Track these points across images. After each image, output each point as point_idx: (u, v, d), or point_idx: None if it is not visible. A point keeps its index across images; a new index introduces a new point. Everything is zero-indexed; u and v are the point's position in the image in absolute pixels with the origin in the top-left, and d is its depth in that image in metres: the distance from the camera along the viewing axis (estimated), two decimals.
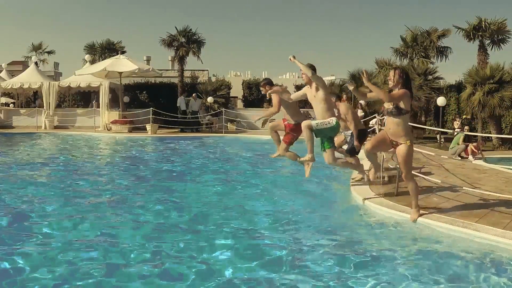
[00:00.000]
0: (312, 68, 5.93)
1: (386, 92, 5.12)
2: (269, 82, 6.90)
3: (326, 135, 5.99)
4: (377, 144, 5.51)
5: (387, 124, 5.31)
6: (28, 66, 26.41)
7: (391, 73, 5.24)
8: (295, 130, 6.69)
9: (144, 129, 19.76)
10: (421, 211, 5.42)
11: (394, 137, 5.26)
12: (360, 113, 16.88)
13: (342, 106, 7.26)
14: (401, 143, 5.21)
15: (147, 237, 4.88)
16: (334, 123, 5.88)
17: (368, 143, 5.61)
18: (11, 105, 27.05)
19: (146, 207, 6.22)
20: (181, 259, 4.22)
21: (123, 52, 23.05)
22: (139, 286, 3.67)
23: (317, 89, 5.91)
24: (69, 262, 4.08)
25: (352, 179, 7.64)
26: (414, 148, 9.44)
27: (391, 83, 5.22)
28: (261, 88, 7.00)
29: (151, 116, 19.26)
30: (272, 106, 6.81)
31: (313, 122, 5.88)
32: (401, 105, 5.07)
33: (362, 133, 7.15)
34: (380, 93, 5.04)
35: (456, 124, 14.12)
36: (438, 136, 15.37)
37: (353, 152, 7.30)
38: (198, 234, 5.02)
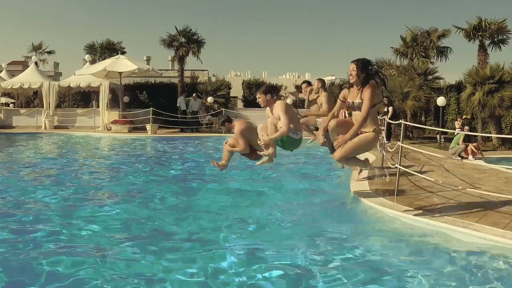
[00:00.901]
0: (272, 91, 5.80)
1: (362, 116, 4.74)
2: (227, 120, 6.55)
3: (282, 142, 5.73)
4: (342, 125, 5.08)
5: (354, 116, 5.04)
6: (28, 66, 26.39)
7: (351, 67, 4.88)
8: (253, 153, 6.43)
9: (144, 129, 19.75)
10: (421, 211, 5.42)
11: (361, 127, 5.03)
12: None
13: (323, 96, 7.30)
14: (366, 131, 4.98)
15: (147, 238, 4.88)
16: (297, 139, 5.71)
17: (334, 120, 5.16)
18: (11, 105, 27.03)
19: (146, 207, 6.22)
20: (179, 262, 4.18)
21: (123, 52, 23.06)
22: None
23: None
24: (67, 264, 4.06)
25: (353, 179, 7.64)
26: (414, 148, 9.49)
27: (352, 78, 4.91)
28: (221, 127, 6.67)
29: (151, 116, 19.25)
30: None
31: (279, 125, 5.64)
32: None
33: None
34: (361, 122, 4.74)
35: (458, 124, 14.12)
36: (438, 136, 15.37)
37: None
38: (197, 236, 5.01)
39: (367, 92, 4.74)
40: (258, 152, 6.10)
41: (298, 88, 8.21)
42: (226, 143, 6.51)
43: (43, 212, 5.86)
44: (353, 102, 4.93)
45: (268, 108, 5.83)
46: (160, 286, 3.67)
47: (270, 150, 5.78)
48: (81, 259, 4.16)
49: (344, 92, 5.17)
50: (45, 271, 3.88)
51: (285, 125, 5.47)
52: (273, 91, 5.90)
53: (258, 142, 5.80)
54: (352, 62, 4.90)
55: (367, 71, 4.84)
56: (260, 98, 5.80)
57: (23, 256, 4.24)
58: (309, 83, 7.94)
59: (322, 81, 7.55)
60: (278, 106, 5.61)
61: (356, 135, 5.03)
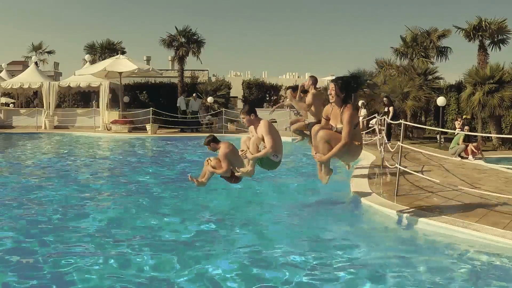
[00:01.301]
0: (250, 110, 5.79)
1: (343, 142, 4.69)
2: (213, 140, 6.41)
3: (261, 162, 5.77)
4: (333, 137, 4.87)
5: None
6: (28, 66, 26.41)
7: (330, 86, 4.86)
8: (233, 176, 6.40)
9: (144, 129, 19.76)
10: (421, 211, 5.42)
11: None
12: (363, 112, 16.92)
13: (309, 94, 7.33)
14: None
15: (146, 239, 4.88)
16: (276, 161, 5.76)
17: (325, 131, 4.92)
18: (11, 105, 27.05)
19: (145, 208, 6.21)
20: (177, 263, 4.16)
21: (123, 52, 23.06)
22: None
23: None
24: (65, 264, 4.05)
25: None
26: (414, 148, 9.49)
27: (331, 98, 4.87)
28: (204, 145, 6.51)
29: (151, 116, 19.26)
30: None
31: (261, 146, 5.71)
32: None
33: None
34: (341, 147, 4.70)
35: (458, 124, 14.13)
36: (438, 136, 15.37)
37: None
38: (195, 236, 5.01)
39: (346, 115, 4.73)
40: (236, 169, 6.06)
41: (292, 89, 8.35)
42: (208, 162, 6.36)
43: (41, 212, 5.86)
44: (336, 127, 4.91)
45: (252, 127, 5.87)
46: (155, 286, 3.67)
47: (249, 168, 5.79)
48: (77, 259, 4.15)
49: (327, 109, 5.12)
50: (42, 271, 3.88)
51: (270, 146, 5.55)
52: (255, 111, 5.89)
53: (240, 153, 5.82)
54: (331, 81, 4.90)
55: (347, 90, 4.80)
56: (244, 118, 5.84)
57: (20, 255, 4.24)
58: (294, 89, 8.13)
59: (313, 78, 7.68)
60: (262, 126, 5.67)
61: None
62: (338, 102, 4.84)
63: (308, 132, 7.75)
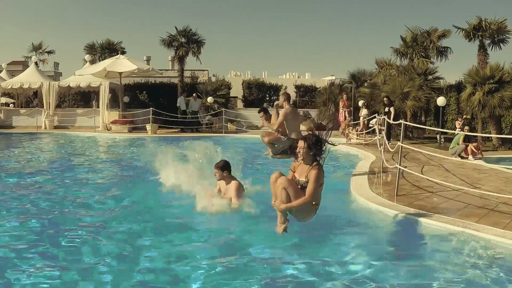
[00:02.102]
0: (225, 167, 5.92)
1: (305, 198, 4.65)
2: (267, 111, 6.74)
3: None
4: (291, 186, 4.78)
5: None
6: (28, 66, 26.41)
7: (300, 144, 4.81)
8: None
9: (144, 129, 19.77)
10: (421, 211, 5.42)
11: None
12: (363, 112, 16.93)
13: (281, 114, 7.38)
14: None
15: (148, 239, 4.88)
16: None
17: (284, 178, 4.82)
18: (11, 105, 27.05)
19: (144, 208, 6.21)
20: (176, 266, 4.15)
21: (123, 52, 23.06)
22: None
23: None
24: (63, 266, 4.05)
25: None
26: (414, 148, 9.49)
27: (300, 157, 4.82)
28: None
29: (151, 116, 19.26)
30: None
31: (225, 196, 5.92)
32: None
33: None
34: (301, 202, 4.66)
35: (458, 124, 14.13)
36: (438, 136, 15.37)
37: (284, 151, 7.61)
38: (196, 239, 5.01)
39: (313, 174, 4.68)
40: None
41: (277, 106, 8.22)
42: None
43: (40, 212, 5.86)
44: (298, 180, 4.86)
45: (222, 182, 6.00)
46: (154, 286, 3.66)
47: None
48: (76, 259, 4.16)
49: (294, 164, 5.09)
50: (37, 271, 3.88)
51: (235, 205, 5.70)
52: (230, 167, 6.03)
53: (210, 207, 5.83)
54: (301, 139, 4.87)
55: (315, 151, 4.74)
56: (217, 173, 5.93)
57: (18, 255, 4.23)
58: (265, 111, 8.09)
59: (286, 95, 7.72)
60: (233, 188, 5.82)
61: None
62: (307, 159, 4.78)
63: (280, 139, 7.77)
